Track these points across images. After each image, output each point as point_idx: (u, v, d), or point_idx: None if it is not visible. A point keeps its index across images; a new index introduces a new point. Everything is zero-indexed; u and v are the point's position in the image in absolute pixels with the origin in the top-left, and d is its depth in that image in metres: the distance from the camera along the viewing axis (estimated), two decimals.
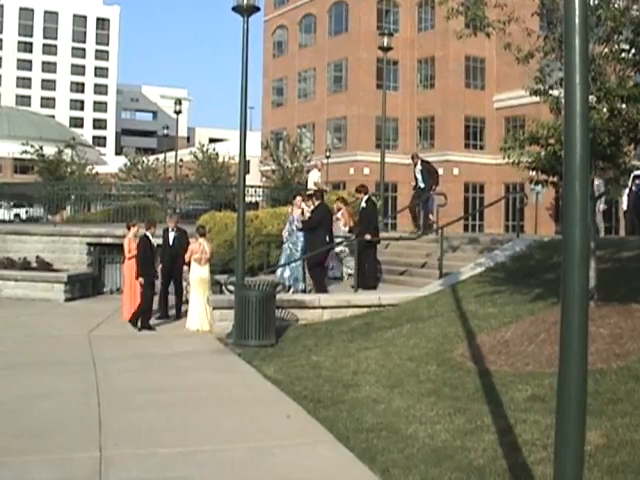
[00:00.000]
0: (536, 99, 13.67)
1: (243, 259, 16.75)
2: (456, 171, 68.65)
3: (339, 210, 23.21)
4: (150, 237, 18.63)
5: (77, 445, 8.80)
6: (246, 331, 15.14)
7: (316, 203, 19.95)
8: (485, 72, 71.14)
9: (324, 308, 17.46)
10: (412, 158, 27.97)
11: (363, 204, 20.81)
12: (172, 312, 19.86)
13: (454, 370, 11.40)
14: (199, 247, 18.85)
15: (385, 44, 29.48)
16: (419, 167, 27.33)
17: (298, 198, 20.88)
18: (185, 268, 19.56)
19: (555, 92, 12.93)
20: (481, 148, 70.92)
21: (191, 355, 14.79)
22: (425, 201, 26.45)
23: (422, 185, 26.80)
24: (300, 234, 19.99)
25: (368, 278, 19.79)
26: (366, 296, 18.19)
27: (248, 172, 28.54)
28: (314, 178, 28.02)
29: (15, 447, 8.72)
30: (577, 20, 4.93)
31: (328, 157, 69.50)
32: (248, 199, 26.17)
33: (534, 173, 13.96)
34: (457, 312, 15.16)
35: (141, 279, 18.11)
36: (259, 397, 11.17)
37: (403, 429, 8.96)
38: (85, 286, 24.68)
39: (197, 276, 18.78)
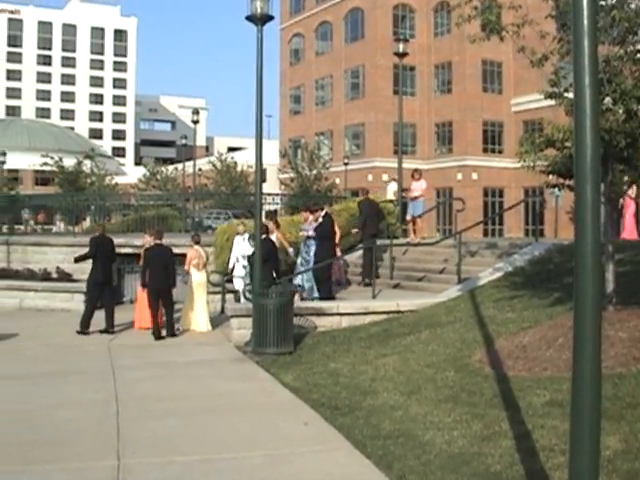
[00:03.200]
0: (553, 102, 13.61)
1: (260, 267, 16.74)
2: (475, 176, 68.52)
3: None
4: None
5: (96, 453, 8.83)
6: (264, 339, 15.13)
7: (322, 215, 20.51)
8: (502, 76, 70.93)
9: (342, 315, 17.42)
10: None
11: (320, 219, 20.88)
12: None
13: (472, 376, 11.36)
14: (196, 253, 19.50)
15: (401, 50, 29.46)
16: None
17: (304, 213, 21.47)
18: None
19: (570, 95, 12.85)
20: (500, 152, 70.67)
21: (209, 363, 14.79)
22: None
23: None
24: (312, 244, 20.38)
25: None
26: (384, 303, 18.13)
27: (265, 180, 28.57)
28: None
29: (35, 455, 8.77)
30: (586, 22, 4.92)
31: (346, 164, 69.57)
32: (266, 207, 26.22)
33: (551, 177, 13.91)
34: (475, 317, 15.11)
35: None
36: (277, 404, 11.16)
37: (420, 435, 8.93)
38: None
39: (197, 281, 19.52)
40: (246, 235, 21.09)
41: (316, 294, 19.70)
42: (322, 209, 21.06)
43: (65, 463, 8.53)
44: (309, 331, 16.85)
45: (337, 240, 21.61)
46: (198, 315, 19.27)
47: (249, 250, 19.99)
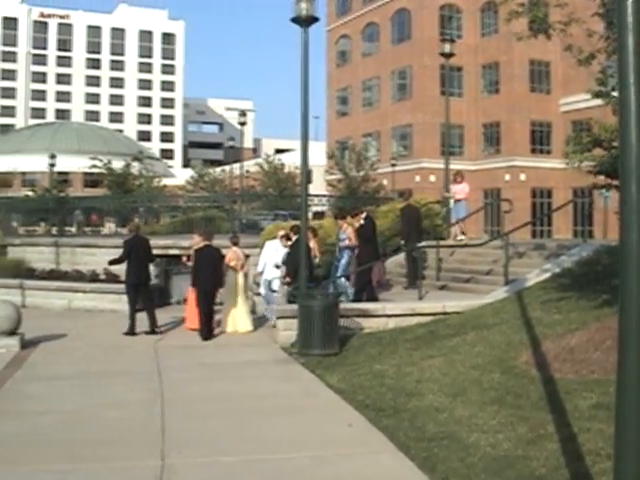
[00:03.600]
0: (601, 101, 13.48)
1: (305, 268, 16.75)
2: (523, 177, 68.06)
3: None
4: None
5: (141, 453, 8.90)
6: (310, 340, 15.13)
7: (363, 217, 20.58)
8: (550, 75, 70.34)
9: (389, 316, 17.36)
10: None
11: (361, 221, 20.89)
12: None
13: (518, 378, 11.27)
14: (235, 255, 19.47)
15: (447, 50, 29.32)
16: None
17: (339, 221, 21.21)
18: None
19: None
20: (548, 153, 70.08)
21: (255, 364, 14.80)
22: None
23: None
24: (345, 253, 20.43)
25: None
26: (431, 304, 18.05)
27: (311, 182, 28.57)
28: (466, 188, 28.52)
29: (82, 454, 8.86)
30: (630, 19, 4.86)
31: (394, 165, 69.41)
32: (314, 208, 26.25)
33: (599, 177, 13.77)
34: (522, 319, 14.99)
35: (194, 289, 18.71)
36: (321, 406, 11.16)
37: (465, 438, 8.88)
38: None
39: (236, 282, 19.42)
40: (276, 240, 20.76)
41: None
42: (362, 212, 21.01)
43: (111, 462, 8.61)
44: (355, 332, 16.81)
45: None
46: (240, 316, 19.27)
47: (278, 253, 19.95)
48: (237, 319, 19.19)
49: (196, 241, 19.69)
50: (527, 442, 8.54)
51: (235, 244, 19.97)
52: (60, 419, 10.56)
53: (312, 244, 19.74)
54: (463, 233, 25.91)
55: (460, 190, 25.80)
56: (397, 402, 10.74)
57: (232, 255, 19.42)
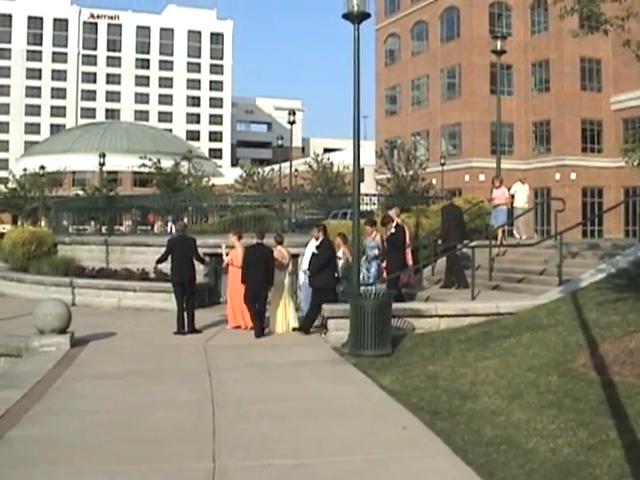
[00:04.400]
0: None
1: (358, 268, 16.58)
2: (573, 176, 67.40)
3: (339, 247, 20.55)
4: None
5: (191, 455, 8.77)
6: (362, 341, 14.94)
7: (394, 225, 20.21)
8: (601, 73, 69.70)
9: (441, 317, 17.12)
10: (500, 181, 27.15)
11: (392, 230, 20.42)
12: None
13: (576, 381, 11.01)
14: (279, 254, 19.29)
15: (499, 47, 28.97)
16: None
17: (368, 227, 20.15)
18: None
19: None
20: (599, 152, 69.41)
21: (306, 365, 14.63)
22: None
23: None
24: (372, 259, 19.86)
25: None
26: (484, 304, 17.74)
27: (363, 180, 28.20)
28: (527, 191, 28.11)
29: (130, 455, 8.79)
30: None
31: (443, 164, 69.05)
32: (363, 207, 26.02)
33: None
34: (578, 320, 14.67)
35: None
36: (374, 408, 10.97)
37: (523, 443, 8.66)
38: (202, 296, 24.70)
39: (281, 281, 19.27)
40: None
41: None
42: (392, 220, 20.50)
43: (160, 464, 8.52)
44: (407, 333, 16.60)
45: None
46: (287, 315, 19.16)
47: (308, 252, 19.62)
48: (284, 318, 19.06)
49: (232, 240, 19.74)
50: (589, 448, 8.30)
51: (279, 243, 19.78)
52: (109, 418, 10.48)
53: (342, 250, 19.56)
54: (501, 244, 24.30)
55: (500, 195, 25.11)
56: (452, 404, 10.53)
57: (277, 254, 19.25)
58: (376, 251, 19.68)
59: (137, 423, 10.22)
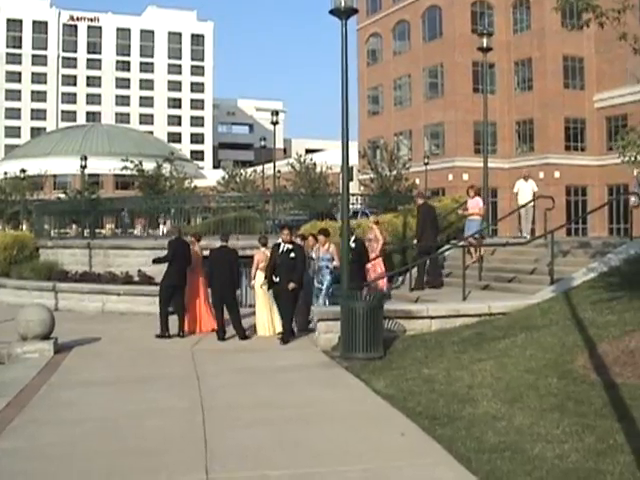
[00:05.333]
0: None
1: (348, 269, 16.23)
2: (557, 174, 67.30)
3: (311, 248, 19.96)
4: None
5: (183, 466, 8.44)
6: (353, 343, 14.61)
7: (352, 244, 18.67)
8: (584, 71, 69.66)
9: (432, 318, 16.79)
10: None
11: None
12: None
13: (577, 383, 10.71)
14: (263, 256, 18.77)
15: (485, 45, 28.61)
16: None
17: (321, 238, 19.21)
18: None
19: None
20: (582, 150, 69.41)
21: (296, 369, 14.30)
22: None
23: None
24: (326, 272, 18.91)
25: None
26: (475, 305, 17.44)
27: (352, 179, 27.77)
28: (534, 188, 27.54)
29: (119, 468, 8.45)
30: None
31: (426, 164, 68.82)
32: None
33: None
34: (573, 320, 14.39)
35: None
36: (370, 413, 10.64)
37: (528, 449, 8.34)
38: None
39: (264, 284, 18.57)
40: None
41: None
42: (352, 234, 18.96)
43: (151, 475, 8.21)
44: (398, 335, 16.26)
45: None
46: (274, 318, 18.64)
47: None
48: (270, 322, 18.65)
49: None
50: (597, 453, 7.99)
51: (264, 245, 19.29)
52: (97, 428, 10.11)
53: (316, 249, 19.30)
54: (477, 256, 22.56)
55: (474, 205, 23.85)
56: (450, 409, 10.20)
57: (261, 256, 18.81)
58: (330, 263, 18.83)
59: (125, 433, 9.86)
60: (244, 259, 20.11)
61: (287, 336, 17.33)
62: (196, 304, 19.39)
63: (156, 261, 19.70)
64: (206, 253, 19.59)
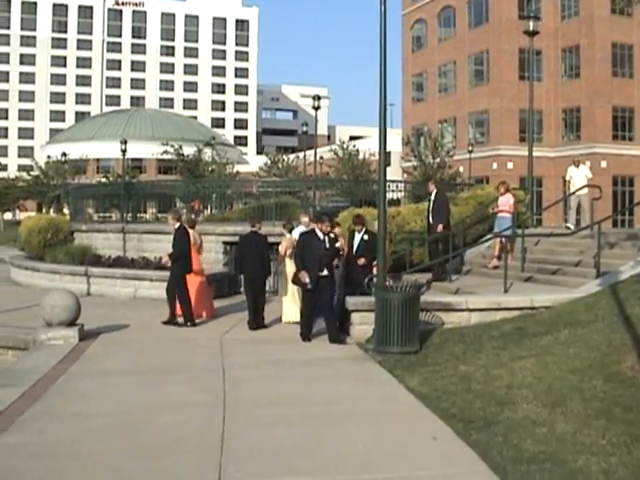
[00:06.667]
0: None
1: (385, 258, 15.52)
2: (604, 164, 65.95)
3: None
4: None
5: (195, 468, 7.83)
6: (387, 336, 13.95)
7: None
8: (633, 59, 68.22)
9: (472, 311, 16.05)
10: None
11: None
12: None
13: (625, 386, 9.94)
14: (290, 242, 18.07)
15: (531, 28, 27.75)
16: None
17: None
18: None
19: None
20: (630, 139, 68.08)
21: (327, 362, 13.65)
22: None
23: None
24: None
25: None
26: (517, 298, 16.63)
27: (389, 164, 26.80)
28: (588, 174, 26.48)
29: (127, 469, 7.85)
30: None
31: (470, 152, 67.91)
32: (389, 195, 25.03)
33: None
34: (620, 317, 13.56)
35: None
36: (401, 413, 9.97)
37: (571, 461, 7.60)
38: (221, 286, 23.95)
39: (290, 271, 17.68)
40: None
41: None
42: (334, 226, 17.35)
43: (159, 478, 7.58)
44: (435, 328, 15.56)
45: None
46: (287, 305, 18.19)
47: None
48: (296, 308, 17.93)
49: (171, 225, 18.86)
50: None
51: (290, 231, 18.70)
52: (110, 423, 9.55)
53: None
54: (499, 257, 21.66)
55: (504, 202, 22.78)
56: (487, 412, 9.48)
57: (287, 243, 18.15)
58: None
59: (139, 429, 9.26)
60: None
61: (334, 336, 15.70)
62: (194, 290, 19.01)
63: (177, 257, 18.71)
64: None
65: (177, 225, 18.66)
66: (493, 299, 16.65)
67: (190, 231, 19.38)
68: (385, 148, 15.66)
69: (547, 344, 12.74)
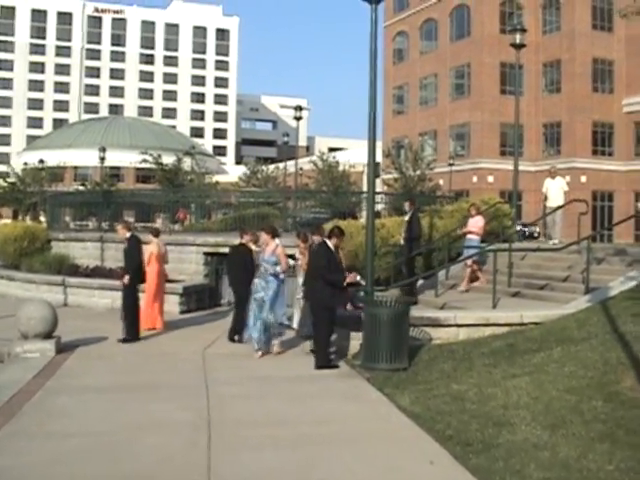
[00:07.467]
0: None
1: (372, 272, 15.11)
2: (583, 179, 66.12)
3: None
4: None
5: None
6: (376, 353, 13.51)
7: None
8: (613, 75, 68.51)
9: (460, 327, 15.66)
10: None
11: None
12: None
13: (626, 408, 9.55)
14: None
15: (518, 41, 27.53)
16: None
17: (264, 236, 16.15)
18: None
19: None
20: (610, 155, 68.34)
21: (314, 379, 13.21)
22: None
23: None
24: (271, 279, 15.60)
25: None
26: (506, 313, 16.24)
27: (378, 175, 26.42)
28: (564, 187, 26.15)
29: None
30: None
31: (451, 165, 67.81)
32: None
33: None
34: (614, 334, 13.21)
35: None
36: (394, 435, 9.54)
37: None
38: (201, 298, 23.54)
39: None
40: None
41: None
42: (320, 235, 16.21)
43: None
44: (424, 344, 15.16)
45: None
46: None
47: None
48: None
49: (265, 239, 17.37)
50: None
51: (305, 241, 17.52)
52: (89, 444, 9.06)
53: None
54: (472, 281, 21.39)
55: (473, 224, 22.03)
56: (485, 434, 9.07)
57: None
58: (277, 267, 15.59)
59: (120, 452, 8.77)
60: None
61: (324, 361, 14.26)
62: (150, 301, 18.79)
63: (131, 269, 17.80)
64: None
65: (128, 235, 18.02)
66: (482, 314, 16.26)
67: (155, 240, 19.13)
68: (374, 159, 15.26)
69: (540, 362, 12.36)
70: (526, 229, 27.39)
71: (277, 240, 15.99)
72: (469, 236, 22.07)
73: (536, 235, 35.23)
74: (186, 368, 14.23)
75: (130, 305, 17.47)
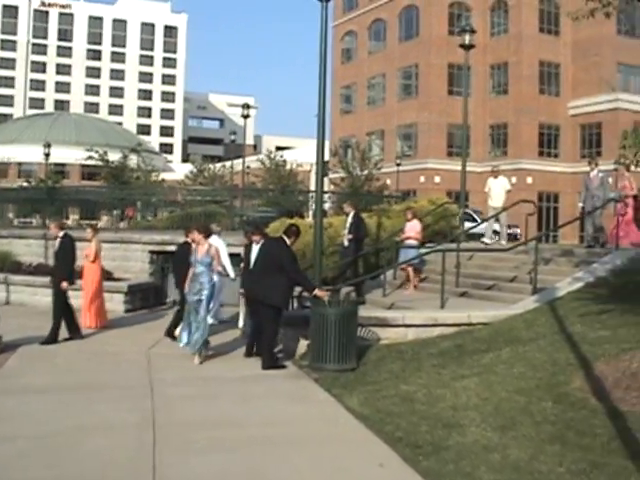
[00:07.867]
0: (614, 105, 11.95)
1: (320, 271, 14.98)
2: (529, 180, 66.76)
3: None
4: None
5: None
6: (323, 353, 13.36)
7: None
8: (560, 78, 69.20)
9: (408, 327, 15.56)
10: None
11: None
12: None
13: (576, 409, 9.48)
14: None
15: (467, 42, 27.55)
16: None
17: (196, 235, 15.62)
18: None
19: None
20: (555, 156, 69.05)
21: (261, 379, 13.03)
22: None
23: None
24: (205, 280, 14.97)
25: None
26: (454, 314, 16.19)
27: (327, 174, 26.36)
28: (506, 186, 25.97)
29: None
30: None
31: (398, 165, 67.93)
32: (314, 206, 24.61)
33: None
34: (562, 334, 13.22)
35: None
36: (343, 437, 9.39)
37: None
38: (147, 297, 23.30)
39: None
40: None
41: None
42: (261, 234, 16.55)
43: None
44: (372, 344, 15.03)
45: None
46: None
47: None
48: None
49: (196, 237, 17.20)
50: None
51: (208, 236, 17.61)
52: (32, 447, 8.78)
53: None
54: (415, 286, 21.19)
55: (410, 229, 21.93)
56: (435, 436, 8.95)
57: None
58: (209, 268, 15.04)
59: (64, 455, 8.51)
60: None
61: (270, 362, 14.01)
62: (93, 298, 18.93)
63: (62, 269, 17.43)
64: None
65: (61, 234, 17.69)
66: (430, 315, 16.19)
67: (96, 237, 19.43)
68: (323, 158, 15.19)
69: (489, 362, 12.30)
70: (510, 230, 27.28)
71: (214, 239, 15.79)
72: (408, 241, 21.90)
73: (519, 237, 35.25)
74: (130, 368, 13.99)
75: (58, 305, 17.07)
